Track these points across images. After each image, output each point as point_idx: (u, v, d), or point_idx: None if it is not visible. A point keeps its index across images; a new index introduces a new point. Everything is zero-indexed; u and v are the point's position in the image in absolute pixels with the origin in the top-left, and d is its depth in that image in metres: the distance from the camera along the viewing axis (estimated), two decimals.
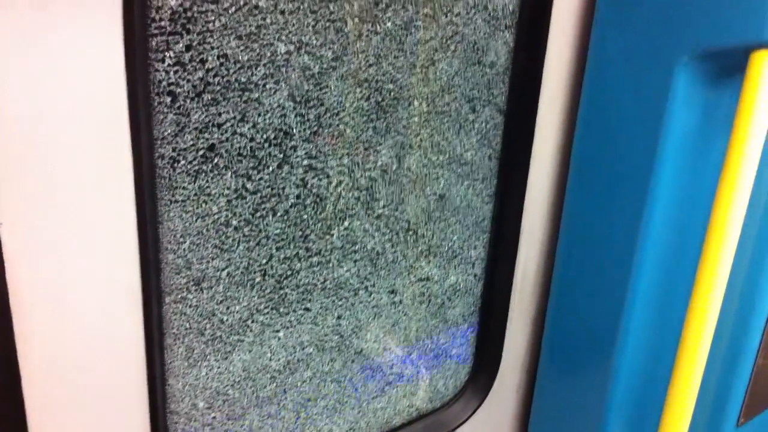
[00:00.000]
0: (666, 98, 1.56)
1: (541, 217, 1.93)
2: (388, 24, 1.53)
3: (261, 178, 1.51)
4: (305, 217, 1.61)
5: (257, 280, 1.61)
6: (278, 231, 1.59)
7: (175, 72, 1.33)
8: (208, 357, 1.62)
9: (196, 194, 1.46)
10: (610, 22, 1.66)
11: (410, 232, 1.80)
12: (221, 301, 1.58)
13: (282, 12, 1.39)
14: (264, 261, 1.60)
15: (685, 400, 1.59)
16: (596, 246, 1.83)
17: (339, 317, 1.77)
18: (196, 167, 1.43)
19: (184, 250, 1.49)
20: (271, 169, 1.51)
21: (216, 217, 1.50)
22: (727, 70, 1.52)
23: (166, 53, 1.30)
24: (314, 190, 1.60)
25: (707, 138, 1.60)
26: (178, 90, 1.35)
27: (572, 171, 1.84)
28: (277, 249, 1.60)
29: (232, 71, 1.39)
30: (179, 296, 1.52)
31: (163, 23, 1.28)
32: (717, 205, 1.45)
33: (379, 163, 1.66)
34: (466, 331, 2.02)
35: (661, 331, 1.80)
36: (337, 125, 1.57)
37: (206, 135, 1.41)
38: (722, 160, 1.45)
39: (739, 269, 1.72)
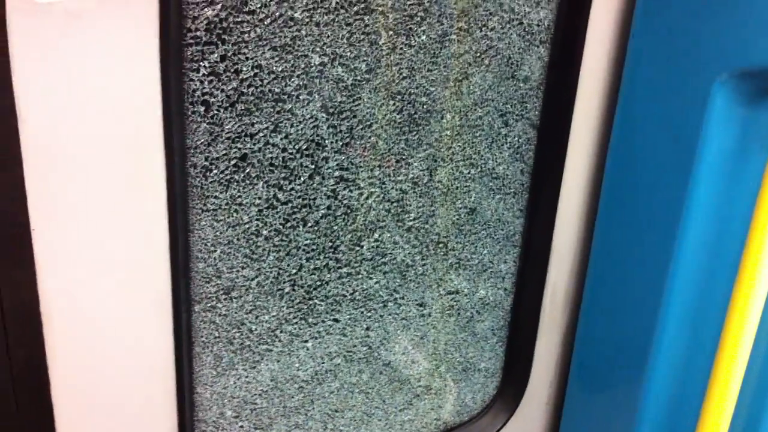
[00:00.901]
0: (702, 117, 1.54)
1: (572, 232, 1.91)
2: (423, 37, 1.53)
3: (292, 189, 1.51)
4: (335, 228, 1.61)
5: (287, 290, 1.61)
6: (308, 241, 1.59)
7: (210, 82, 1.34)
8: (237, 366, 1.62)
9: (227, 203, 1.46)
10: (647, 39, 1.64)
11: (440, 245, 1.79)
12: (250, 311, 1.58)
13: (317, 24, 1.39)
14: (294, 271, 1.60)
15: (719, 420, 1.57)
16: (629, 263, 1.81)
17: (368, 329, 1.77)
18: (228, 176, 1.44)
19: (214, 258, 1.49)
20: (302, 179, 1.52)
21: (247, 226, 1.50)
22: (765, 89, 1.50)
23: (201, 63, 1.31)
24: (345, 202, 1.60)
25: (744, 157, 1.58)
26: (212, 99, 1.35)
27: (605, 187, 1.82)
28: (307, 259, 1.61)
29: (266, 82, 1.39)
30: (209, 305, 1.53)
31: (198, 33, 1.29)
32: (754, 225, 1.43)
33: (411, 175, 1.66)
34: (495, 345, 2.01)
35: (693, 349, 1.77)
36: (369, 137, 1.57)
37: (239, 145, 1.42)
38: (759, 179, 1.43)
39: None
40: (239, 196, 1.47)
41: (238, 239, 1.51)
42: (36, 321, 1.29)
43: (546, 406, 2.13)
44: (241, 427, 1.68)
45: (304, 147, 1.49)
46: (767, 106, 1.52)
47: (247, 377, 1.65)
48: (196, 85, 1.33)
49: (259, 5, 1.32)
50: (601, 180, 1.83)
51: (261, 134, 1.43)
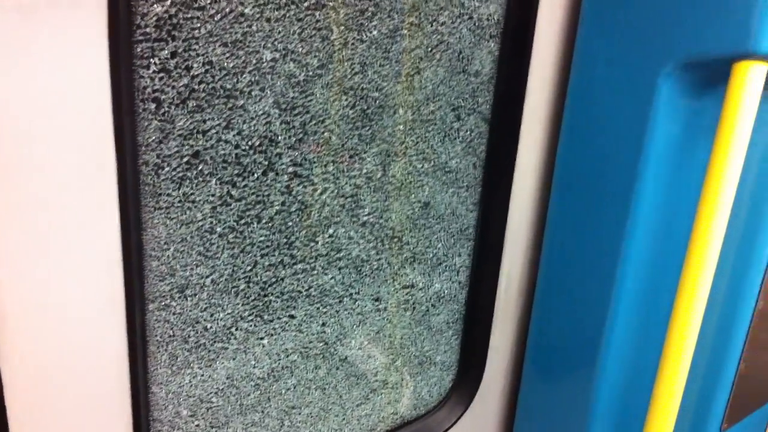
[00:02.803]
0: (649, 107, 1.57)
1: (525, 224, 1.93)
2: (374, 32, 1.53)
3: (246, 185, 1.51)
4: (290, 224, 1.61)
5: (241, 287, 1.60)
6: (263, 238, 1.58)
7: (160, 79, 1.32)
8: (192, 364, 1.61)
9: (180, 201, 1.45)
10: (595, 32, 1.67)
11: (395, 240, 1.80)
12: (205, 309, 1.57)
13: (268, 20, 1.39)
14: (248, 268, 1.59)
15: (669, 406, 1.60)
16: (580, 253, 1.83)
17: (323, 324, 1.77)
18: (181, 174, 1.43)
19: (168, 257, 1.48)
20: (256, 176, 1.51)
21: (200, 224, 1.49)
22: (710, 79, 1.54)
23: (151, 60, 1.30)
24: (299, 198, 1.59)
25: (690, 147, 1.61)
26: (163, 97, 1.34)
27: (556, 179, 1.84)
28: (262, 256, 1.60)
29: (217, 78, 1.38)
30: (163, 303, 1.52)
31: (148, 30, 1.27)
32: (700, 213, 1.47)
33: (364, 170, 1.66)
34: (451, 338, 2.02)
35: (644, 336, 1.81)
36: (323, 133, 1.57)
37: (191, 142, 1.41)
38: (705, 168, 1.46)
39: (721, 276, 1.73)
40: (192, 194, 1.46)
41: (191, 237, 1.50)
42: None
43: (502, 396, 2.15)
44: (198, 425, 1.67)
45: (257, 143, 1.48)
46: (712, 97, 1.55)
47: (202, 376, 1.64)
48: (146, 82, 1.31)
49: (208, 1, 1.32)
50: (552, 172, 1.85)
51: (213, 131, 1.43)
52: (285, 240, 1.62)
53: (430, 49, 1.63)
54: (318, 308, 1.74)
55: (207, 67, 1.36)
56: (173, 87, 1.34)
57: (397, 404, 2.01)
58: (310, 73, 1.49)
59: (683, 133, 1.61)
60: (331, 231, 1.68)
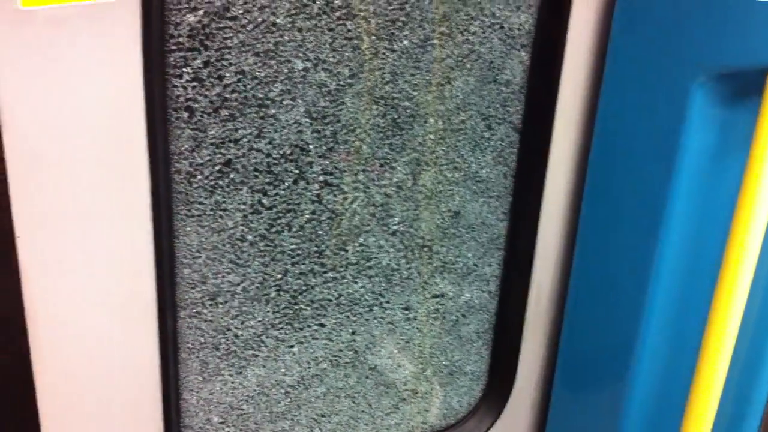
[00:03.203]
0: (682, 118, 1.56)
1: (556, 233, 1.92)
2: (405, 42, 1.54)
3: (277, 194, 1.52)
4: (320, 232, 1.62)
5: (272, 295, 1.61)
6: (293, 246, 1.59)
7: (193, 88, 1.34)
8: (223, 372, 1.62)
9: (212, 209, 1.46)
10: (626, 42, 1.66)
11: (425, 249, 1.80)
12: (236, 316, 1.58)
13: (300, 29, 1.40)
14: (279, 276, 1.60)
15: (702, 420, 1.58)
16: (612, 264, 1.82)
17: (353, 333, 1.77)
18: (213, 182, 1.44)
19: (199, 264, 1.49)
20: (287, 184, 1.52)
21: (231, 232, 1.50)
22: (744, 90, 1.52)
23: (184, 69, 1.32)
24: (329, 206, 1.60)
25: (723, 158, 1.60)
26: (196, 105, 1.36)
27: (587, 189, 1.83)
28: (293, 264, 1.61)
29: (249, 87, 1.39)
30: (194, 311, 1.53)
31: (181, 39, 1.29)
32: (735, 225, 1.45)
33: (395, 179, 1.66)
34: (481, 348, 2.02)
35: (677, 350, 1.79)
36: (353, 142, 1.57)
37: (223, 150, 1.42)
38: (739, 179, 1.44)
39: (756, 290, 1.70)
40: (224, 202, 1.47)
41: (223, 245, 1.51)
42: (21, 328, 1.28)
43: (532, 407, 2.13)
44: None
45: (288, 152, 1.49)
46: (745, 107, 1.53)
47: (233, 383, 1.65)
48: (179, 91, 1.33)
49: (241, 11, 1.33)
50: (584, 182, 1.84)
51: (245, 140, 1.44)
52: (315, 248, 1.63)
53: (460, 58, 1.63)
54: (348, 317, 1.74)
55: (239, 76, 1.37)
56: (206, 96, 1.36)
57: (427, 414, 2.01)
58: (341, 83, 1.50)
59: (716, 144, 1.59)
60: (361, 240, 1.68)
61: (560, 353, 2.02)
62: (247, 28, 1.34)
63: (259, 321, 1.62)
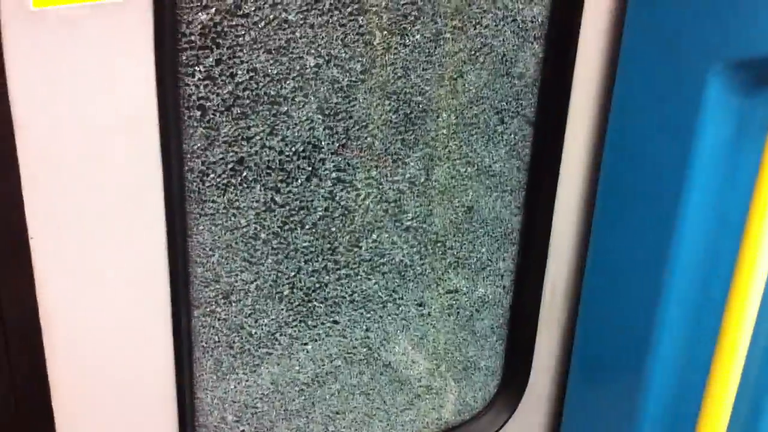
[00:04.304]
0: (698, 108, 1.54)
1: (570, 228, 1.91)
2: (417, 36, 1.53)
3: (290, 191, 1.51)
4: (333, 229, 1.61)
5: (286, 292, 1.61)
6: (306, 244, 1.59)
7: (205, 86, 1.33)
8: (237, 370, 1.62)
9: (225, 207, 1.46)
10: (641, 32, 1.65)
11: (438, 244, 1.79)
12: (250, 314, 1.58)
13: (311, 26, 1.39)
14: (292, 274, 1.60)
15: (720, 412, 1.57)
16: (627, 257, 1.81)
17: (367, 330, 1.77)
18: (225, 180, 1.44)
19: (213, 263, 1.49)
20: (299, 182, 1.52)
21: (245, 230, 1.50)
22: (760, 78, 1.51)
23: (197, 67, 1.31)
24: (342, 203, 1.60)
25: (740, 147, 1.58)
26: (208, 104, 1.35)
27: (602, 181, 1.82)
28: (306, 262, 1.60)
29: (261, 85, 1.39)
30: (208, 309, 1.53)
31: (193, 38, 1.28)
32: (752, 214, 1.44)
33: (407, 175, 1.66)
34: (495, 343, 2.01)
35: (693, 341, 1.78)
36: (366, 138, 1.57)
37: (235, 148, 1.42)
38: (756, 169, 1.43)
39: None
40: (237, 200, 1.46)
41: (236, 243, 1.50)
42: (36, 328, 1.28)
43: (547, 402, 2.13)
44: (243, 431, 1.68)
45: (301, 149, 1.49)
46: (762, 95, 1.52)
47: (247, 381, 1.64)
48: (191, 89, 1.32)
49: (252, 8, 1.32)
50: (598, 174, 1.83)
51: (257, 137, 1.43)
52: (328, 245, 1.62)
53: (473, 52, 1.62)
54: (362, 313, 1.74)
55: (251, 74, 1.37)
56: (218, 94, 1.35)
57: (442, 410, 2.00)
58: (353, 78, 1.49)
59: (733, 133, 1.58)
60: (374, 236, 1.68)
61: (575, 348, 2.01)
62: (259, 26, 1.34)
63: (272, 319, 1.62)
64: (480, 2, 1.58)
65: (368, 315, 1.75)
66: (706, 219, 1.66)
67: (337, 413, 1.81)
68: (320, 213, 1.58)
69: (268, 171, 1.47)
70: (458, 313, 1.90)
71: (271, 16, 1.34)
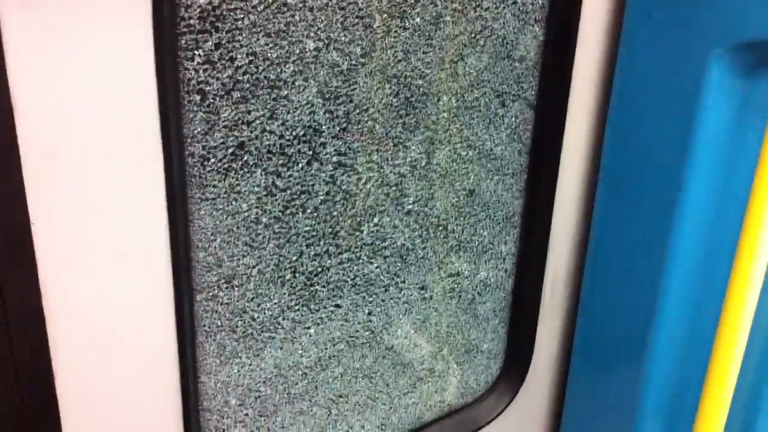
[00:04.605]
0: (699, 90, 1.54)
1: (572, 211, 1.91)
2: (417, 19, 1.52)
3: (290, 175, 1.51)
4: (335, 213, 1.61)
5: (288, 277, 1.61)
6: (308, 228, 1.59)
7: (205, 70, 1.33)
8: (240, 354, 1.62)
9: (226, 192, 1.46)
10: (642, 14, 1.64)
11: (440, 228, 1.79)
12: (252, 299, 1.58)
13: (310, 9, 1.38)
14: (294, 258, 1.60)
15: (719, 400, 1.57)
16: (628, 241, 1.81)
17: (369, 313, 1.77)
18: (226, 165, 1.43)
19: (214, 248, 1.49)
20: (300, 166, 1.52)
21: (246, 214, 1.50)
22: (762, 62, 1.50)
23: (196, 52, 1.31)
24: (344, 187, 1.59)
25: (742, 130, 1.58)
26: (208, 88, 1.35)
27: (603, 165, 1.82)
28: (308, 246, 1.61)
29: (261, 69, 1.39)
30: (210, 294, 1.53)
31: (192, 21, 1.28)
32: (753, 200, 1.43)
33: (409, 158, 1.66)
34: (498, 326, 2.01)
35: (694, 327, 1.78)
36: (366, 121, 1.56)
37: (236, 133, 1.42)
38: (757, 152, 1.42)
39: None
40: (238, 185, 1.46)
41: (237, 227, 1.50)
42: (39, 316, 1.29)
43: (549, 385, 2.14)
44: (246, 414, 1.69)
45: (302, 133, 1.49)
46: (763, 78, 1.52)
47: (250, 365, 1.65)
48: (191, 74, 1.32)
49: None
50: (600, 158, 1.82)
51: (258, 122, 1.43)
52: (330, 229, 1.62)
53: (473, 35, 1.61)
54: (364, 297, 1.74)
55: (251, 57, 1.37)
56: (218, 78, 1.35)
57: (444, 393, 2.01)
58: (353, 62, 1.49)
59: (734, 116, 1.57)
60: (376, 220, 1.68)
61: (577, 331, 2.02)
62: (258, 9, 1.33)
63: (275, 303, 1.62)
64: None
65: (370, 299, 1.76)
66: (709, 205, 1.65)
67: (340, 396, 1.82)
68: (321, 197, 1.58)
69: (269, 155, 1.47)
70: (460, 296, 1.90)
71: (270, 0, 1.34)
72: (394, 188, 1.67)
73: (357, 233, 1.67)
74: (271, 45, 1.38)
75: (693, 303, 1.76)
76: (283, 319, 1.65)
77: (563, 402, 2.14)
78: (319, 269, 1.65)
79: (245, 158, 1.45)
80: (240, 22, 1.33)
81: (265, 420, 1.71)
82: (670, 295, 1.74)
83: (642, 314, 1.80)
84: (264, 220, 1.53)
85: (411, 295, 1.82)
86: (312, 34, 1.41)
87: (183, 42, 1.29)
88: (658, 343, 1.80)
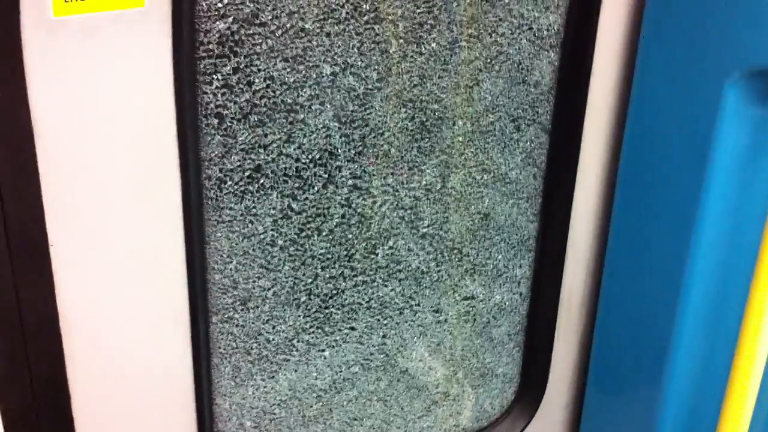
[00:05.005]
0: (715, 117, 1.54)
1: (587, 234, 1.91)
2: (433, 45, 1.53)
3: (306, 198, 1.52)
4: (350, 236, 1.62)
5: (303, 299, 1.61)
6: (323, 250, 1.59)
7: (223, 94, 1.35)
8: (255, 376, 1.62)
9: (242, 214, 1.47)
10: (657, 40, 1.64)
11: (455, 251, 1.79)
12: (267, 321, 1.59)
13: (328, 34, 1.40)
14: (309, 280, 1.60)
15: (739, 421, 1.56)
16: (644, 265, 1.80)
17: (384, 336, 1.77)
18: (243, 188, 1.45)
19: (230, 270, 1.50)
20: (316, 189, 1.52)
21: (262, 237, 1.51)
22: None
23: (214, 76, 1.32)
24: (359, 210, 1.60)
25: (758, 157, 1.58)
26: (226, 112, 1.36)
27: (619, 189, 1.82)
28: (323, 268, 1.61)
29: (278, 93, 1.40)
30: (226, 316, 1.54)
31: (211, 46, 1.30)
32: None
33: (424, 182, 1.66)
34: (513, 350, 2.01)
35: (712, 350, 1.77)
36: (382, 145, 1.57)
37: (252, 156, 1.43)
38: None
39: None
40: (254, 207, 1.47)
41: (253, 250, 1.51)
42: (55, 334, 1.30)
43: (565, 409, 2.12)
44: None
45: (318, 156, 1.50)
46: None
47: (265, 387, 1.65)
48: (209, 97, 1.34)
49: (270, 17, 1.33)
50: (615, 182, 1.82)
51: (274, 145, 1.44)
52: (345, 252, 1.63)
53: (489, 60, 1.62)
54: (378, 320, 1.74)
55: (268, 82, 1.38)
56: (235, 102, 1.36)
57: (459, 416, 2.00)
58: (370, 86, 1.50)
59: (750, 142, 1.57)
60: (390, 243, 1.68)
61: (593, 355, 2.01)
62: (276, 34, 1.35)
63: (290, 325, 1.62)
64: (496, 11, 1.58)
65: (385, 321, 1.76)
66: (723, 226, 1.65)
67: (355, 419, 1.82)
68: (337, 220, 1.58)
69: (285, 178, 1.48)
70: (475, 319, 1.90)
71: (288, 25, 1.35)
72: (409, 211, 1.67)
73: (372, 256, 1.67)
74: (288, 69, 1.39)
75: (711, 323, 1.75)
76: (298, 341, 1.65)
77: (579, 426, 2.12)
78: (334, 292, 1.65)
79: (262, 181, 1.46)
80: (258, 47, 1.34)
81: None
82: (688, 315, 1.73)
83: (658, 336, 1.79)
84: (279, 242, 1.53)
85: (426, 319, 1.82)
86: (329, 59, 1.43)
87: (202, 66, 1.30)
88: (676, 363, 1.79)
